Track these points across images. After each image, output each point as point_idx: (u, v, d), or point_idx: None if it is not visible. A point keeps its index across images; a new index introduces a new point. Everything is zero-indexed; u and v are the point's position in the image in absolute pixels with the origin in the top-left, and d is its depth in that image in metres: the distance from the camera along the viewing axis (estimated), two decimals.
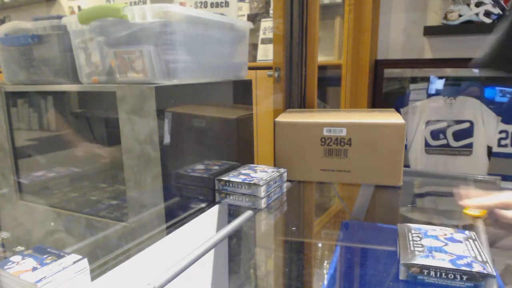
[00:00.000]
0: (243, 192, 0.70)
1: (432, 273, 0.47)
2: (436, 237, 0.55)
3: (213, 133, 0.76)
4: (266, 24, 1.90)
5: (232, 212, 0.72)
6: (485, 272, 0.45)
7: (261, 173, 0.76)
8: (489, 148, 1.44)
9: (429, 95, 1.52)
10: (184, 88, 0.67)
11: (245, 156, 0.88)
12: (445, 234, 0.56)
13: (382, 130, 0.78)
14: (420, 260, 0.48)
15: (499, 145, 1.41)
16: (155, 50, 0.62)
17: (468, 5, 1.34)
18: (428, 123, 1.51)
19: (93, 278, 0.44)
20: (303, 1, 1.06)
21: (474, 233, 0.56)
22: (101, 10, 0.63)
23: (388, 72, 1.58)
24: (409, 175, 0.94)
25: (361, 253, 0.61)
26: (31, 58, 0.77)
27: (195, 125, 0.70)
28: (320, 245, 0.71)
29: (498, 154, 1.42)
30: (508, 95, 1.41)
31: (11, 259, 0.43)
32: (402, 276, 0.48)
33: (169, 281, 0.48)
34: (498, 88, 1.43)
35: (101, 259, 0.51)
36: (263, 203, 0.70)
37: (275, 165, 0.86)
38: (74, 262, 0.42)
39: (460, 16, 1.34)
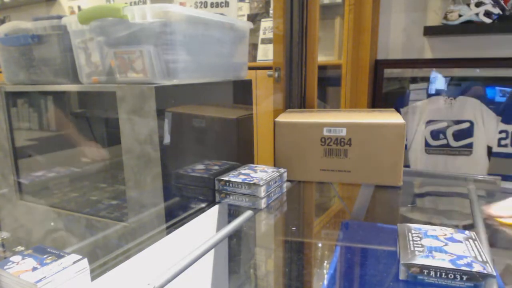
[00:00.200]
0: (243, 192, 0.70)
1: (432, 273, 0.47)
2: (436, 237, 0.55)
3: (213, 133, 0.76)
4: (266, 24, 1.90)
5: (232, 212, 0.72)
6: (485, 272, 0.45)
7: (261, 173, 0.76)
8: (489, 148, 1.43)
9: (429, 95, 1.52)
10: (184, 88, 0.67)
11: (245, 156, 0.88)
12: (445, 234, 0.56)
13: (382, 130, 0.78)
14: (420, 260, 0.48)
15: (499, 145, 1.41)
16: (155, 50, 0.62)
17: (468, 5, 1.34)
18: (428, 123, 1.51)
19: (93, 278, 0.44)
20: (303, 1, 1.06)
21: (474, 233, 0.56)
22: (101, 10, 0.63)
23: (388, 72, 1.58)
24: (409, 175, 0.94)
25: (361, 253, 0.61)
26: (31, 58, 0.77)
27: (195, 125, 0.70)
28: (320, 245, 0.71)
29: (498, 154, 1.42)
30: (508, 95, 1.40)
31: (11, 259, 0.43)
32: (402, 276, 0.49)
33: (169, 281, 0.48)
34: (498, 88, 1.43)
35: (101, 259, 0.51)
36: (263, 203, 0.70)
37: (275, 165, 0.86)
38: (74, 262, 0.42)
39: (460, 16, 1.34)
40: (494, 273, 0.45)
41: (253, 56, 1.91)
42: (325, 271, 0.61)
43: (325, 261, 0.64)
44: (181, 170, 0.67)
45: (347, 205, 0.85)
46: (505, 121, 1.40)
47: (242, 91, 0.87)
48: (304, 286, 0.60)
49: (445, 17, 1.37)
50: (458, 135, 1.47)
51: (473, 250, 0.51)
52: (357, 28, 1.43)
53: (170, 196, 0.64)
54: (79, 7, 2.69)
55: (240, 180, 0.71)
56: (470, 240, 0.54)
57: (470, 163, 1.47)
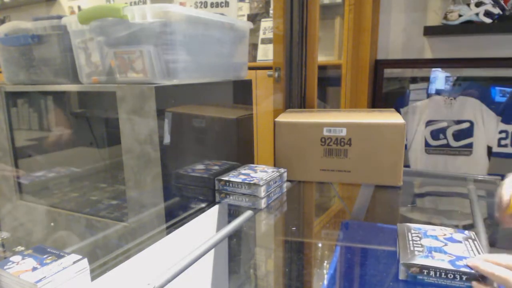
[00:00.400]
0: (243, 192, 0.70)
1: (432, 273, 0.47)
2: (435, 237, 0.55)
3: (213, 133, 0.76)
4: (266, 24, 1.90)
5: (232, 212, 0.72)
6: None
7: (261, 173, 0.76)
8: (489, 148, 1.43)
9: (429, 95, 1.52)
10: (184, 88, 0.67)
11: (245, 156, 0.88)
12: (445, 234, 0.56)
13: (382, 130, 0.78)
14: (419, 260, 0.48)
15: (499, 145, 1.41)
16: (155, 50, 0.62)
17: (468, 5, 1.34)
18: (428, 123, 1.51)
19: (93, 278, 0.44)
20: (303, 1, 1.06)
21: (474, 233, 0.56)
22: (101, 10, 0.63)
23: (388, 72, 1.58)
24: (409, 175, 0.94)
25: (361, 253, 0.61)
26: (31, 58, 0.77)
27: (195, 125, 0.70)
28: (320, 245, 0.71)
29: (498, 154, 1.42)
30: (508, 95, 1.40)
31: (11, 259, 0.43)
32: (401, 276, 0.49)
33: (169, 281, 0.48)
34: (498, 88, 1.43)
35: (101, 259, 0.51)
36: (263, 203, 0.70)
37: (275, 165, 0.86)
38: (74, 262, 0.42)
39: (460, 16, 1.34)
40: None
41: (253, 56, 1.91)
42: (325, 271, 0.61)
43: (325, 261, 0.64)
44: (181, 170, 0.67)
45: (347, 205, 0.85)
46: (505, 121, 1.40)
47: (242, 91, 0.87)
48: (304, 286, 0.60)
49: (445, 17, 1.37)
50: (458, 135, 1.47)
51: (472, 250, 0.51)
52: (357, 28, 1.43)
53: (170, 196, 0.64)
54: (79, 7, 2.69)
55: (240, 180, 0.71)
56: (470, 240, 0.54)
57: (470, 163, 1.47)
